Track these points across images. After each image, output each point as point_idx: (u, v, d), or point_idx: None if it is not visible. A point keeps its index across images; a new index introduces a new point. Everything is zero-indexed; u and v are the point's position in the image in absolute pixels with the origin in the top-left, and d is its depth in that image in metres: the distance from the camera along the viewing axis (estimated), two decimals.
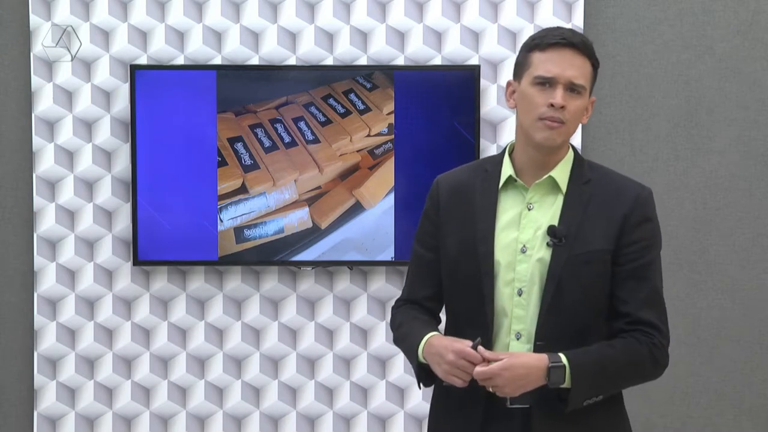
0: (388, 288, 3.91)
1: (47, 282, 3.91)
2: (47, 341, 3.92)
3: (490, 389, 2.26)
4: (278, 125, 3.86)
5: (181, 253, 3.85)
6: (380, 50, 3.88)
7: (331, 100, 3.86)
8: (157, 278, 3.92)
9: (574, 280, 2.30)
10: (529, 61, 2.34)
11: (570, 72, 2.30)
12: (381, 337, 3.92)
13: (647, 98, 3.93)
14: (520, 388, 2.26)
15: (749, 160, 3.94)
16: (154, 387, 3.95)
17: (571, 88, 2.31)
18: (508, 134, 3.86)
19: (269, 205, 3.87)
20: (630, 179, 2.41)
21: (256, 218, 3.87)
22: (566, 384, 2.26)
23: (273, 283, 3.92)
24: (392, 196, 3.86)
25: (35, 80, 3.88)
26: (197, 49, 3.88)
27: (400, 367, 3.92)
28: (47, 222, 3.90)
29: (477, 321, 2.34)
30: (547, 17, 3.85)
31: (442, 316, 2.52)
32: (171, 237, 3.84)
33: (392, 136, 3.84)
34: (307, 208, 3.87)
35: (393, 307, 2.56)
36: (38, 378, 3.93)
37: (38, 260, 3.91)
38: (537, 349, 2.30)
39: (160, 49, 3.88)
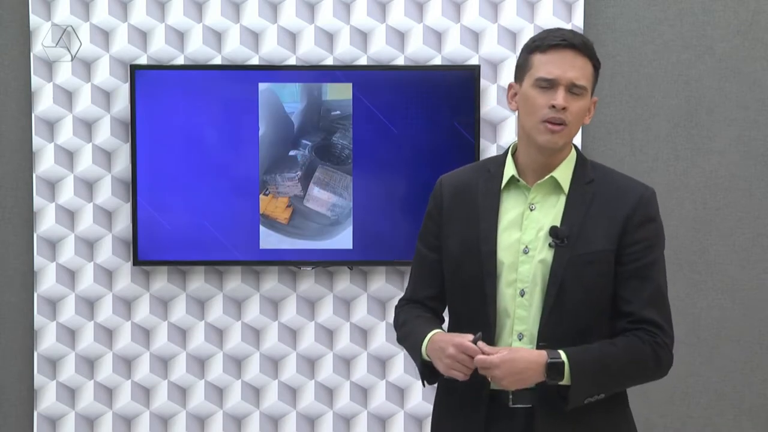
0: (388, 288, 3.91)
1: (47, 282, 3.91)
2: (47, 341, 3.92)
3: (490, 379, 2.27)
4: None
5: (181, 253, 3.85)
6: (380, 50, 3.88)
7: None
8: (157, 278, 3.92)
9: (577, 281, 2.30)
10: (530, 63, 2.34)
11: (571, 73, 2.30)
12: (381, 337, 3.92)
13: (647, 98, 3.93)
14: (518, 382, 2.26)
15: (749, 160, 3.94)
16: (154, 387, 3.95)
17: (573, 90, 2.30)
18: (508, 134, 3.86)
19: None
20: (633, 179, 2.41)
21: None
22: (566, 381, 2.26)
23: (273, 283, 3.92)
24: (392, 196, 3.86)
25: (35, 80, 3.87)
26: (197, 49, 3.88)
27: (400, 367, 3.92)
28: (47, 222, 3.90)
29: (479, 321, 2.34)
30: (547, 17, 3.85)
31: (445, 316, 2.52)
32: (171, 237, 3.84)
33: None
34: None
35: (396, 307, 2.56)
36: (38, 378, 3.92)
37: (38, 260, 3.90)
38: (539, 349, 2.29)
39: (160, 49, 3.88)
